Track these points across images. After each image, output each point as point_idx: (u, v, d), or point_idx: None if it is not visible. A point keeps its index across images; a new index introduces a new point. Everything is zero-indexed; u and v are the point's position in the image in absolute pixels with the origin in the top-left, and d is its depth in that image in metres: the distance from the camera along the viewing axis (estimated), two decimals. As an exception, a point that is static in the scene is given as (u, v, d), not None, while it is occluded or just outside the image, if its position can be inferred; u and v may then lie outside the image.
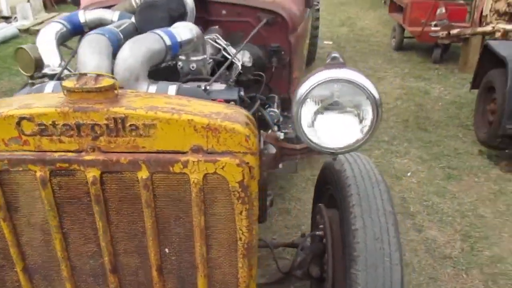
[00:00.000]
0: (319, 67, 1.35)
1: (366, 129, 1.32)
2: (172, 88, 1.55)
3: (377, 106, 1.28)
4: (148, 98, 1.41)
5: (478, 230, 3.05)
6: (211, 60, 2.07)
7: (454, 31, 5.92)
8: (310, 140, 1.38)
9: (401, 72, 6.20)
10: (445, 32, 5.92)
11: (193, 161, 1.36)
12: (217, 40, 2.33)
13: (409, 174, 3.71)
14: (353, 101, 1.30)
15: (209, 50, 2.28)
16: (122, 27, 2.05)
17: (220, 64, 2.23)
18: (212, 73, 2.26)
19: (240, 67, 2.17)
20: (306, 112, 1.34)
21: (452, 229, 3.06)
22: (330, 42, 7.69)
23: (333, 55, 1.33)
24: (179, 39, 1.68)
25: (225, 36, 2.77)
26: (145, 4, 2.05)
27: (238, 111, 1.43)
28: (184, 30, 1.74)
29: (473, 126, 4.41)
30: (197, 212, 1.42)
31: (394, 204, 3.29)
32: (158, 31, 1.64)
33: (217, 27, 2.78)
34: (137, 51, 1.51)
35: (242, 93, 1.82)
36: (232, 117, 1.37)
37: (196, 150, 1.36)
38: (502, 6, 6.37)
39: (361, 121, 1.32)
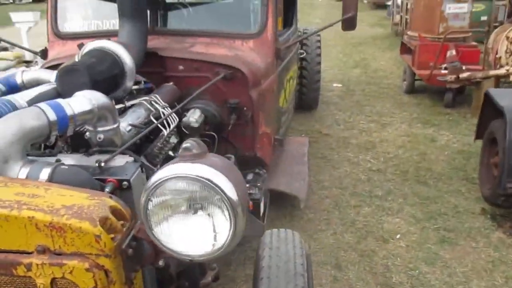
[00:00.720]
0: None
1: (221, 237, 1.10)
2: (46, 172, 1.37)
3: (233, 211, 1.05)
4: (-1, 187, 1.25)
5: (467, 308, 2.67)
6: (131, 128, 1.90)
7: (464, 75, 5.59)
8: (160, 242, 1.16)
9: (409, 117, 5.89)
10: (453, 76, 5.60)
11: (37, 264, 1.16)
12: (152, 102, 2.18)
13: (398, 236, 3.37)
14: (206, 202, 1.09)
15: (142, 112, 2.13)
16: (39, 93, 1.94)
17: (156, 128, 2.07)
18: (147, 139, 2.10)
19: (165, 133, 2.00)
20: (155, 209, 1.13)
21: (438, 307, 2.69)
22: (340, 85, 7.48)
23: (185, 145, 1.13)
24: (69, 112, 1.52)
25: (180, 93, 2.64)
26: (65, 67, 1.94)
27: (102, 203, 1.23)
28: (82, 100, 1.59)
29: (478, 180, 4.02)
30: (50, 321, 1.21)
31: (375, 272, 2.98)
32: (43, 104, 1.49)
33: (171, 83, 2.65)
34: (6, 129, 1.36)
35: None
36: (85, 212, 1.18)
37: (42, 251, 1.17)
38: (519, 47, 6.02)
39: (215, 227, 1.10)
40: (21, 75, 2.31)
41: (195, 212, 1.11)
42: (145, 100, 2.17)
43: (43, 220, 1.14)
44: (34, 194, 1.22)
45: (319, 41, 5.81)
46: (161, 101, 2.23)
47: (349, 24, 3.15)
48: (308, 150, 4.24)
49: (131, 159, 1.68)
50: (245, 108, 2.73)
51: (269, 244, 1.64)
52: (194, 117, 2.39)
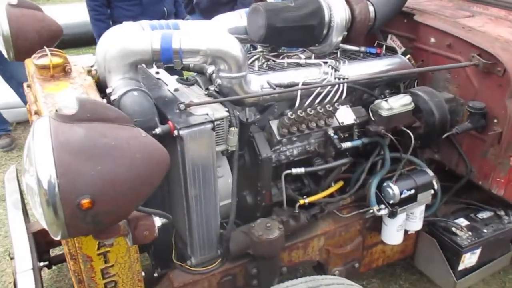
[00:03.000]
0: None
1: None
2: (119, 92, 1.46)
3: (43, 196, 0.81)
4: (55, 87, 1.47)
5: None
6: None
7: None
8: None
9: None
10: None
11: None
12: (332, 66, 1.82)
13: None
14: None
15: (311, 74, 1.83)
16: (232, 27, 1.98)
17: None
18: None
19: (297, 103, 1.65)
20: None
21: None
22: None
23: (63, 103, 0.89)
24: (175, 46, 1.49)
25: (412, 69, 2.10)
26: (253, 6, 1.86)
27: None
28: (196, 38, 1.51)
29: None
30: None
31: None
32: (157, 32, 1.52)
33: (406, 56, 2.13)
34: (113, 45, 1.50)
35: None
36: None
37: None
38: None
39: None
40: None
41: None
42: (324, 62, 1.85)
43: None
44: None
45: None
46: (341, 68, 1.84)
47: None
48: None
49: (225, 114, 1.56)
50: (495, 121, 1.89)
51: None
52: (391, 104, 1.84)
